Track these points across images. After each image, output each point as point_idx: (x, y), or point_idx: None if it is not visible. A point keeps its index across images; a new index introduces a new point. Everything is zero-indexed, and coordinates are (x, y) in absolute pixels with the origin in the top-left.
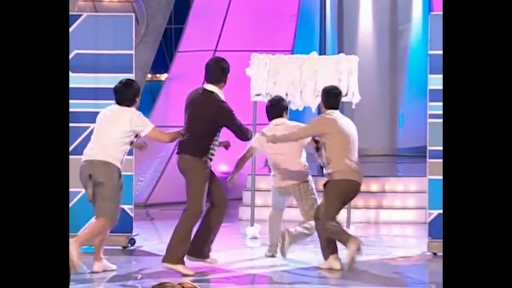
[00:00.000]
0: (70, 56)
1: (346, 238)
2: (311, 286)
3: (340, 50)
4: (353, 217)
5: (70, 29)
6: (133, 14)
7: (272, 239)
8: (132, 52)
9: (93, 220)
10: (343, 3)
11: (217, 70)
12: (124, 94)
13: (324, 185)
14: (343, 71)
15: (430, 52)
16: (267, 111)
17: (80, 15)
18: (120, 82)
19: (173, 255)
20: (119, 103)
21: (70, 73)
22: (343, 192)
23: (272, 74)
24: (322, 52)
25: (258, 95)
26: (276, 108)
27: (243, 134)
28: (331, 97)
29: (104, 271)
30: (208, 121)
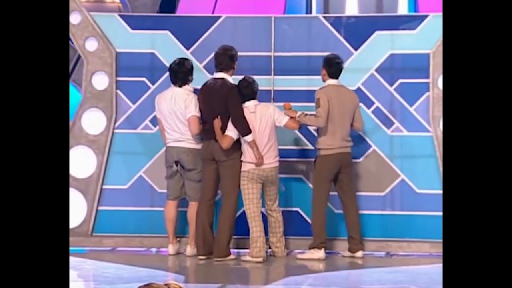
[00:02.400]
0: (209, 57)
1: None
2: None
3: None
4: None
5: (209, 31)
6: (273, 16)
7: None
8: (271, 54)
9: (188, 213)
10: (329, 4)
11: (226, 58)
12: (178, 74)
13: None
14: None
15: (275, 54)
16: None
17: (219, 17)
18: (174, 61)
19: (225, 247)
20: (173, 82)
21: (208, 75)
22: (327, 169)
23: None
24: None
25: None
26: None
27: (239, 122)
28: (334, 66)
29: (178, 253)
30: (224, 105)
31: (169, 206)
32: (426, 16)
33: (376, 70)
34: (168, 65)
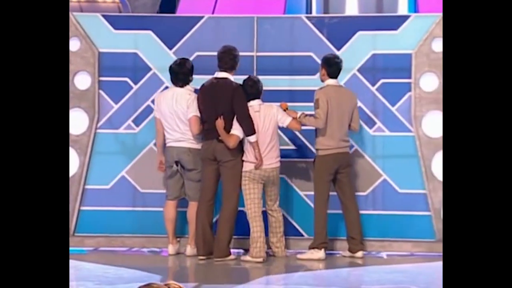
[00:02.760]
0: (192, 57)
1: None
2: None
3: None
4: None
5: (192, 31)
6: (256, 16)
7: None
8: (254, 53)
9: (188, 212)
10: (328, 4)
11: (232, 58)
12: (178, 75)
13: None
14: None
15: (257, 54)
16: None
17: (202, 17)
18: (175, 62)
19: (225, 247)
20: (174, 82)
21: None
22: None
23: None
24: None
25: None
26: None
27: (245, 122)
28: (334, 66)
29: (178, 253)
30: (229, 104)
31: (169, 206)
32: (408, 16)
33: (359, 70)
34: (150, 65)
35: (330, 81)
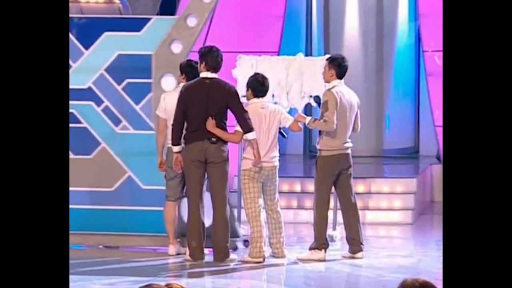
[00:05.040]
0: None
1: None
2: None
3: (326, 51)
4: (339, 218)
5: None
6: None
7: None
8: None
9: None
10: (329, 4)
11: (218, 59)
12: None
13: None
14: None
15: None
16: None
17: None
18: (190, 61)
19: (224, 248)
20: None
21: None
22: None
23: None
24: (308, 53)
25: (244, 96)
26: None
27: (244, 119)
28: (343, 67)
29: (178, 254)
30: (224, 104)
31: (169, 207)
32: (150, 19)
33: (106, 70)
34: None
35: (337, 82)
